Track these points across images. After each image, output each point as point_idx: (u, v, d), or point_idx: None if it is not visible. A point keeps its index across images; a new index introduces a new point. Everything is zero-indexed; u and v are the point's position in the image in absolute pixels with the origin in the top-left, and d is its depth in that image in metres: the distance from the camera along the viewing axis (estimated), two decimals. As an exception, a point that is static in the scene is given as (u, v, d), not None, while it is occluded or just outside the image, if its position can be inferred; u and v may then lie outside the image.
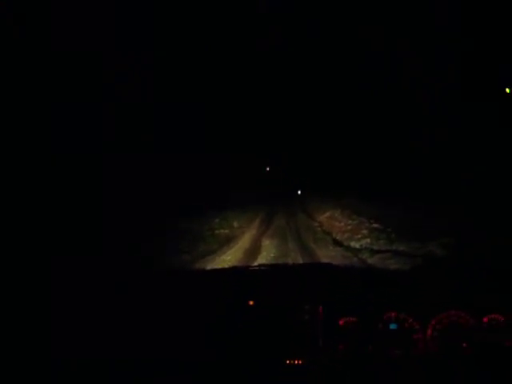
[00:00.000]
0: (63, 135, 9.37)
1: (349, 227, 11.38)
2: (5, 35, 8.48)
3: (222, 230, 12.24)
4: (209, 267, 7.04)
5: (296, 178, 37.46)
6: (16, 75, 8.58)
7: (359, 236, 9.79)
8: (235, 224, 14.18)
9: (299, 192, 31.07)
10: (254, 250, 9.17)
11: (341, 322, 1.76)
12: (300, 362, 1.71)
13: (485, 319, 1.74)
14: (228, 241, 10.78)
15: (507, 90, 11.09)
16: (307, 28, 22.61)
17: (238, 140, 29.82)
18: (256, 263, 7.04)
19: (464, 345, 1.72)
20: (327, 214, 15.54)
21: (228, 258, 8.11)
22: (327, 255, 8.17)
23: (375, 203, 13.61)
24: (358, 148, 21.32)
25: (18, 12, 8.92)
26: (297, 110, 34.28)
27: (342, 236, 10.50)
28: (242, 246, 9.74)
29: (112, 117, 12.28)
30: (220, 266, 6.86)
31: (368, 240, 9.19)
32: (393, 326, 1.76)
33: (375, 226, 10.53)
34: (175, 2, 16.51)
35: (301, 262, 7.38)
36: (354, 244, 9.17)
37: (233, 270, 3.01)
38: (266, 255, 8.34)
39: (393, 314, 1.76)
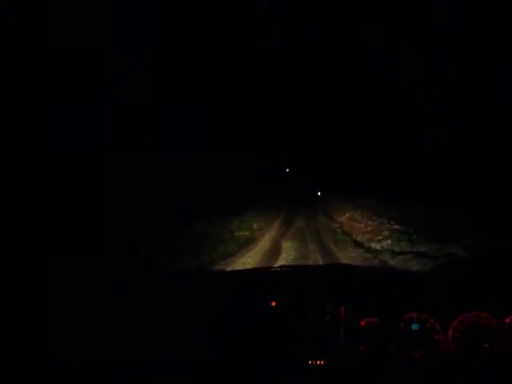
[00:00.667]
0: (63, 135, 9.15)
1: (369, 228, 11.27)
2: (4, 35, 8.45)
3: (241, 233, 12.28)
4: (228, 269, 7.01)
5: (315, 180, 37.37)
6: (16, 75, 8.52)
7: (380, 237, 9.67)
8: (255, 226, 14.23)
9: (319, 193, 30.85)
10: (274, 251, 9.17)
11: (362, 323, 1.76)
12: (322, 363, 1.70)
13: (507, 320, 1.71)
14: (248, 243, 10.84)
15: None
16: (307, 28, 22.46)
17: (258, 141, 29.76)
18: (276, 265, 6.97)
19: (486, 345, 1.70)
20: (347, 215, 15.46)
21: (247, 261, 8.13)
22: (347, 256, 8.13)
23: (394, 204, 13.36)
24: (374, 149, 21.11)
25: (17, 12, 8.89)
26: (312, 112, 34.22)
27: (363, 237, 10.40)
28: (262, 248, 9.76)
29: (114, 116, 12.06)
30: (240, 268, 6.88)
31: (389, 241, 9.07)
32: (415, 327, 1.75)
33: (396, 227, 10.39)
34: (175, 2, 16.47)
35: (321, 263, 7.33)
36: (375, 245, 9.08)
37: (254, 272, 2.99)
38: (286, 257, 8.34)
39: (414, 315, 1.75)
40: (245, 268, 7.15)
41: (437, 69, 13.48)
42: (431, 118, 14.44)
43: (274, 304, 1.81)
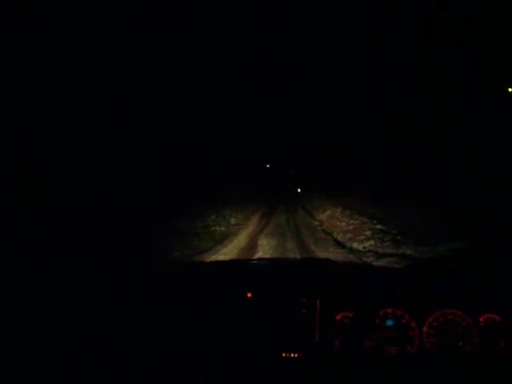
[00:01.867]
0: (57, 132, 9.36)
1: (350, 227, 10.83)
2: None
3: (217, 228, 11.77)
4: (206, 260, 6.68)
5: (296, 176, 37.24)
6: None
7: (362, 237, 9.22)
8: (232, 221, 13.71)
9: (299, 190, 30.39)
10: (250, 249, 8.63)
11: (337, 317, 1.75)
12: (296, 356, 1.69)
13: (481, 318, 1.72)
14: (223, 238, 10.29)
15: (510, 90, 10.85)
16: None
17: (237, 137, 29.53)
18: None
19: (460, 343, 1.71)
20: (327, 212, 15.02)
21: (220, 258, 7.56)
22: (329, 257, 7.63)
23: (377, 203, 13.19)
24: (359, 145, 20.94)
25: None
26: (297, 106, 33.87)
27: (344, 237, 9.96)
28: (238, 245, 9.21)
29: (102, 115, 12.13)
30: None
31: (372, 242, 8.63)
32: (389, 323, 1.74)
33: (378, 227, 10.02)
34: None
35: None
36: (357, 246, 8.62)
37: (231, 263, 3.00)
38: (262, 255, 7.78)
39: (389, 311, 1.75)
40: (222, 260, 7.00)
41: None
42: (414, 116, 14.39)
43: (249, 296, 1.79)
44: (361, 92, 20.09)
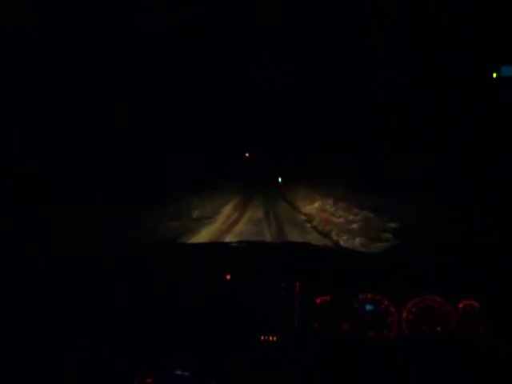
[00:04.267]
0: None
1: (353, 225, 8.94)
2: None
3: (174, 223, 9.98)
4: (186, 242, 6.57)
5: (278, 165, 34.90)
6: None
7: (371, 238, 7.72)
8: (195, 214, 11.28)
9: (280, 180, 27.12)
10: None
11: (317, 301, 1.73)
12: (274, 339, 1.67)
13: (460, 305, 1.72)
14: (179, 235, 8.70)
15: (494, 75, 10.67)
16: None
17: (216, 125, 28.63)
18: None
19: (438, 329, 1.70)
20: (316, 204, 12.56)
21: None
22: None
23: (377, 195, 11.18)
24: (358, 145, 20.81)
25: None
26: (297, 106, 33.64)
27: (340, 236, 8.30)
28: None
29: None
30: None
31: (385, 245, 7.30)
32: (369, 307, 1.73)
33: (392, 225, 8.31)
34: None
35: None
36: (368, 250, 7.11)
37: (211, 245, 3.00)
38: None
39: (369, 295, 1.73)
40: (201, 242, 6.98)
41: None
42: (414, 116, 14.34)
43: (228, 278, 1.75)
44: (360, 92, 20.07)
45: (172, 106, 18.45)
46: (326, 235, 8.88)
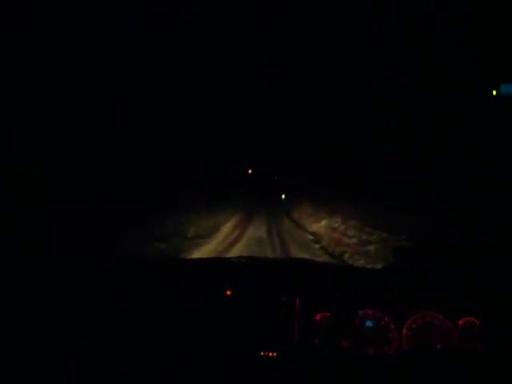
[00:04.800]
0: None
1: (365, 248, 7.84)
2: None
3: (163, 244, 9.24)
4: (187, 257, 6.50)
5: (280, 181, 34.28)
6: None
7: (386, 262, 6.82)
8: (190, 232, 10.42)
9: (283, 196, 26.30)
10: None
11: (317, 317, 1.72)
12: (274, 355, 1.65)
13: (460, 322, 1.71)
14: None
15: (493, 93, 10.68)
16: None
17: (216, 125, 28.62)
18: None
19: (438, 346, 1.69)
20: (323, 222, 11.80)
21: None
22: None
23: (384, 205, 10.81)
24: (358, 145, 20.78)
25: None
26: (297, 106, 33.58)
27: (355, 259, 7.34)
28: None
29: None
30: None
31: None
32: (369, 324, 1.73)
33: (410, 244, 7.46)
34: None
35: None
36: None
37: (211, 261, 2.96)
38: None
39: (369, 312, 1.73)
40: (202, 257, 6.85)
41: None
42: (414, 116, 14.32)
43: (229, 294, 1.76)
44: (360, 92, 20.05)
45: (172, 106, 18.46)
46: (339, 258, 8.08)
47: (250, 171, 42.83)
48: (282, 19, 21.19)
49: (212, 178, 20.16)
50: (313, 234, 11.21)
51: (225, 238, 10.48)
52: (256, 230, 11.76)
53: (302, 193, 20.67)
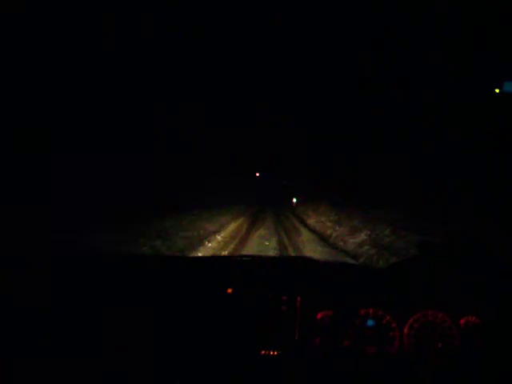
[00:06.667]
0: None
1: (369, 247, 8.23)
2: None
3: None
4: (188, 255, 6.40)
5: (288, 183, 34.36)
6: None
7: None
8: (190, 232, 10.13)
9: (295, 200, 25.46)
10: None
11: (318, 316, 1.73)
12: (275, 354, 1.66)
13: (461, 321, 1.72)
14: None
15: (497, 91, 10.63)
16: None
17: (222, 125, 28.72)
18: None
19: (440, 345, 1.70)
20: (323, 219, 12.48)
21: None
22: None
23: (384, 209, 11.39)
24: (358, 146, 20.83)
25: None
26: (297, 106, 33.63)
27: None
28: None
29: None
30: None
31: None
32: (370, 323, 1.73)
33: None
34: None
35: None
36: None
37: (212, 259, 2.93)
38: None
39: (371, 311, 1.74)
40: (203, 255, 6.95)
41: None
42: (413, 116, 14.33)
43: (229, 291, 1.76)
44: (360, 92, 20.10)
45: (173, 107, 18.49)
46: (341, 256, 8.20)
47: (257, 174, 43.16)
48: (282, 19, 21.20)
49: (217, 180, 20.36)
50: (314, 231, 11.54)
51: (227, 238, 10.39)
52: (259, 230, 11.71)
53: (306, 191, 21.05)
